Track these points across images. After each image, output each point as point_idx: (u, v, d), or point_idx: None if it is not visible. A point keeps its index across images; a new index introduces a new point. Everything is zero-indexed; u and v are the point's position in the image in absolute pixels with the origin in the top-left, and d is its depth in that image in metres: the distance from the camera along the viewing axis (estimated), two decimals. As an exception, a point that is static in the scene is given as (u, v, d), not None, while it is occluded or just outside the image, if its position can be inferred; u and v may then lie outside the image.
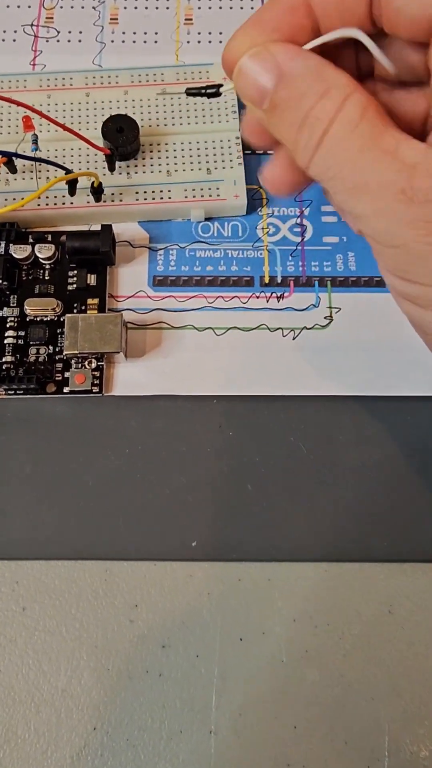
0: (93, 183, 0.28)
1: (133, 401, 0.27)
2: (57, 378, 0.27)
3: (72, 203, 0.29)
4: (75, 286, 0.28)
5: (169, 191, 0.29)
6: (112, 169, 0.29)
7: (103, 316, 0.26)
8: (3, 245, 0.28)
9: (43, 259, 0.28)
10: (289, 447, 0.27)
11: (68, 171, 0.28)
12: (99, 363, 0.27)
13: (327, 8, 0.19)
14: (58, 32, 0.33)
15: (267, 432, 0.27)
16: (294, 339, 0.28)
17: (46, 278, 0.28)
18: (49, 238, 0.29)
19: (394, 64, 0.20)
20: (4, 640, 0.24)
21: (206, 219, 0.30)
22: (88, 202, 0.29)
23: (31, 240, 0.29)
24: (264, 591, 0.25)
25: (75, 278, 0.28)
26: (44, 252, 0.28)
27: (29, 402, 0.27)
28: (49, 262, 0.28)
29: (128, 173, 0.30)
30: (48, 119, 0.27)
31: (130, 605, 0.25)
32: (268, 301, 0.29)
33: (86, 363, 0.27)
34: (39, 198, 0.29)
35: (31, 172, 0.30)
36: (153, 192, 0.29)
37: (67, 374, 0.27)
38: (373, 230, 0.19)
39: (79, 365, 0.27)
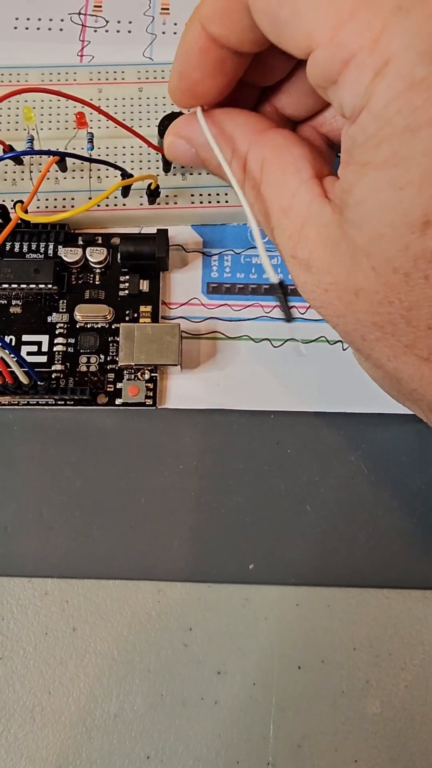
0: (150, 185, 0.27)
1: (186, 415, 0.26)
2: (108, 389, 0.26)
3: (125, 204, 0.28)
4: (127, 292, 0.27)
5: (226, 194, 0.28)
6: (167, 169, 0.28)
7: (160, 326, 0.25)
8: (52, 247, 0.27)
9: (94, 263, 0.27)
10: (349, 467, 0.26)
11: (124, 172, 0.27)
12: (153, 374, 0.26)
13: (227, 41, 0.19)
14: (107, 22, 0.32)
15: (326, 450, 0.26)
16: (344, 350, 0.27)
17: (97, 283, 0.27)
18: (100, 241, 0.28)
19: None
20: (54, 662, 0.24)
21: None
22: (141, 204, 0.28)
23: (80, 242, 0.28)
24: (323, 617, 0.24)
25: (127, 284, 0.27)
26: (96, 256, 0.27)
27: (79, 413, 0.26)
28: (100, 266, 0.27)
29: (183, 175, 0.28)
30: (107, 116, 0.26)
31: (184, 628, 0.24)
32: (327, 313, 0.27)
33: (139, 374, 0.26)
34: (90, 198, 0.28)
35: (82, 171, 0.28)
36: (209, 195, 0.28)
37: (119, 385, 0.26)
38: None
39: (132, 376, 0.26)
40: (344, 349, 0.27)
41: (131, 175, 0.26)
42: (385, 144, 0.15)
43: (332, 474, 0.26)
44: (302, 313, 0.27)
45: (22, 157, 0.28)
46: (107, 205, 0.28)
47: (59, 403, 0.26)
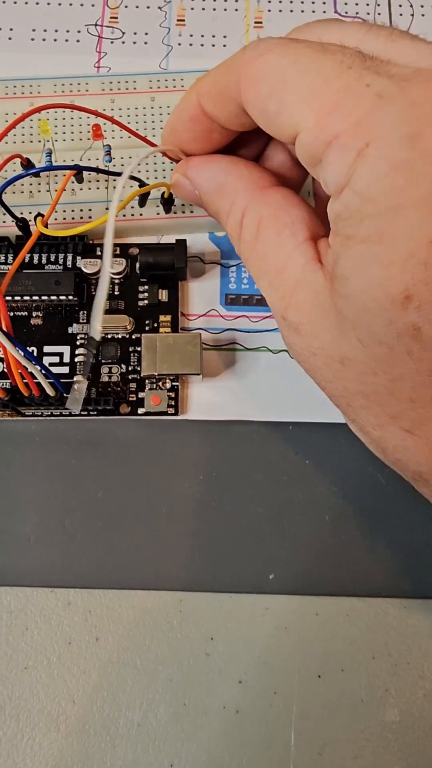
0: (164, 194, 0.27)
1: (206, 425, 0.26)
2: (131, 398, 0.26)
3: (141, 214, 0.28)
4: (146, 302, 0.27)
5: (241, 203, 0.28)
6: (182, 178, 0.28)
7: (182, 336, 0.26)
8: (71, 258, 0.27)
9: (113, 273, 0.27)
10: (367, 477, 0.26)
11: (141, 182, 0.27)
12: (174, 383, 0.26)
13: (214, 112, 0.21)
14: (123, 33, 0.32)
15: (344, 461, 0.26)
16: (371, 364, 0.27)
17: (116, 294, 0.27)
18: (118, 251, 0.28)
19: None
20: (77, 671, 0.24)
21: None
22: (158, 213, 0.28)
23: (98, 252, 0.28)
24: (342, 626, 0.25)
25: (146, 294, 0.27)
26: (115, 267, 0.27)
27: (101, 423, 0.26)
28: (119, 276, 0.27)
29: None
30: (124, 128, 0.26)
31: (205, 638, 0.24)
32: (344, 324, 0.28)
33: (161, 383, 0.26)
34: (107, 209, 0.28)
35: (98, 181, 0.29)
36: (225, 204, 0.28)
37: (141, 395, 0.26)
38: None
39: (154, 386, 0.26)
40: (361, 361, 0.27)
41: (147, 185, 0.26)
42: (368, 220, 0.16)
43: (350, 484, 0.26)
44: (319, 325, 0.28)
45: (39, 169, 0.28)
46: (124, 216, 0.28)
47: (82, 413, 0.26)
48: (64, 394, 0.24)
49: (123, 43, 0.32)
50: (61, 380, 0.25)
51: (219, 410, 0.26)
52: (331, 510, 0.26)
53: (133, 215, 0.28)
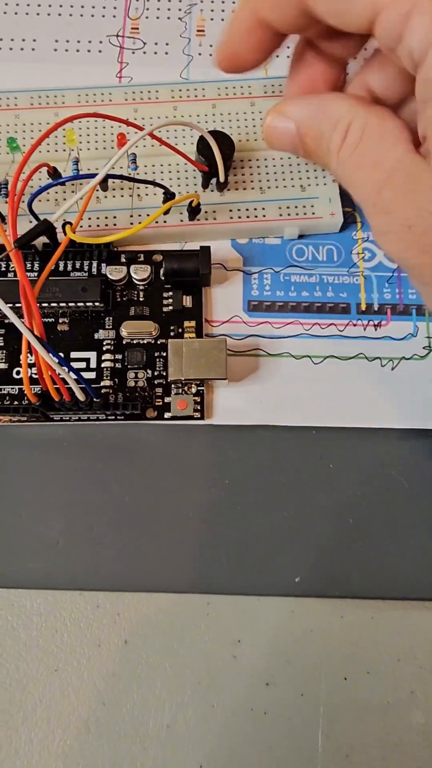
0: (192, 203, 0.28)
1: (231, 430, 0.27)
2: (157, 403, 0.26)
3: (165, 222, 0.29)
4: (171, 307, 0.28)
5: (263, 209, 0.29)
6: (205, 185, 0.29)
7: (207, 342, 0.26)
8: (96, 265, 0.28)
9: (138, 280, 0.28)
10: (390, 481, 0.26)
11: (167, 190, 0.27)
12: (200, 388, 0.27)
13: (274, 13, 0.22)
14: (144, 44, 0.33)
15: (367, 465, 0.26)
16: (393, 369, 0.28)
17: (141, 299, 0.28)
18: (142, 258, 0.28)
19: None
20: (107, 674, 0.24)
21: (300, 236, 0.29)
22: (182, 221, 0.29)
23: (123, 259, 0.28)
24: (368, 629, 0.25)
25: (170, 299, 0.28)
26: (140, 273, 0.27)
27: (127, 428, 0.26)
28: (143, 283, 0.28)
29: (222, 191, 0.29)
30: (152, 136, 0.26)
31: (232, 641, 0.25)
32: (365, 330, 0.28)
33: (186, 388, 0.26)
34: (132, 216, 0.28)
35: (122, 189, 0.29)
36: (247, 210, 0.29)
37: (167, 399, 0.26)
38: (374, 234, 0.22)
39: (180, 390, 0.26)
40: (383, 366, 0.28)
41: (173, 193, 0.27)
42: None
43: (374, 488, 0.26)
44: (341, 330, 0.28)
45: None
46: (149, 223, 0.28)
47: (110, 418, 0.26)
48: (95, 399, 0.24)
49: (144, 53, 0.32)
50: (90, 385, 0.26)
51: (243, 415, 0.27)
52: (355, 513, 0.26)
53: (156, 222, 0.28)
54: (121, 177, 0.26)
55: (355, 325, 0.28)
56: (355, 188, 0.22)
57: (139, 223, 0.28)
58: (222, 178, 0.28)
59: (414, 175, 0.20)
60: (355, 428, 0.27)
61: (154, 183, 0.27)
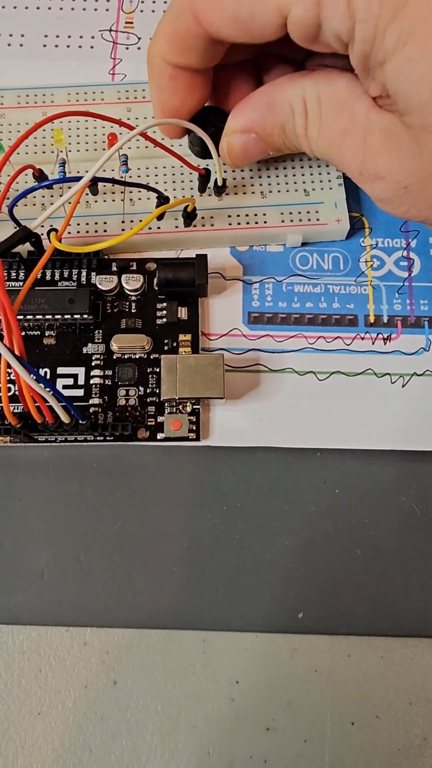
0: (187, 208, 0.26)
1: (229, 452, 0.25)
2: (149, 423, 0.25)
3: (159, 228, 0.27)
4: (165, 320, 0.26)
5: (264, 215, 0.27)
6: (202, 190, 0.27)
7: (203, 357, 0.24)
8: (85, 274, 0.26)
9: (129, 290, 0.26)
10: (401, 508, 0.24)
11: (160, 194, 0.25)
12: (195, 407, 0.25)
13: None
14: (139, 39, 0.31)
15: (376, 490, 0.25)
16: (403, 386, 0.26)
17: (133, 311, 0.26)
18: (134, 266, 0.27)
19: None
20: (94, 717, 0.22)
21: (303, 244, 0.27)
22: (177, 227, 0.27)
23: (115, 268, 0.26)
24: (376, 669, 0.23)
25: (164, 311, 0.26)
26: (132, 283, 0.26)
27: (117, 450, 0.25)
28: (136, 293, 0.26)
29: (219, 195, 0.27)
30: (145, 137, 0.24)
31: (230, 681, 0.23)
32: (374, 343, 0.26)
33: (181, 407, 0.25)
34: (123, 222, 0.27)
35: (113, 193, 0.27)
36: (247, 216, 0.27)
37: (160, 419, 0.25)
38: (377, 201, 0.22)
39: (174, 409, 0.25)
40: (393, 382, 0.26)
41: (167, 198, 0.25)
42: (390, 27, 0.17)
43: (383, 516, 0.24)
44: (347, 344, 0.26)
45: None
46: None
47: (98, 438, 0.24)
48: (80, 421, 0.23)
49: (139, 49, 0.31)
50: (76, 404, 0.24)
51: (242, 436, 0.25)
52: (363, 543, 0.24)
53: (150, 228, 0.27)
54: (109, 180, 0.24)
55: (362, 338, 0.26)
56: (338, 163, 0.22)
57: (131, 229, 0.27)
58: (220, 181, 0.26)
59: (390, 133, 0.20)
60: (362, 450, 0.25)
61: (145, 186, 0.25)
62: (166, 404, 0.25)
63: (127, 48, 0.31)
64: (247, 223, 0.27)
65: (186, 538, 0.24)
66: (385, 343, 0.26)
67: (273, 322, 0.27)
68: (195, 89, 0.23)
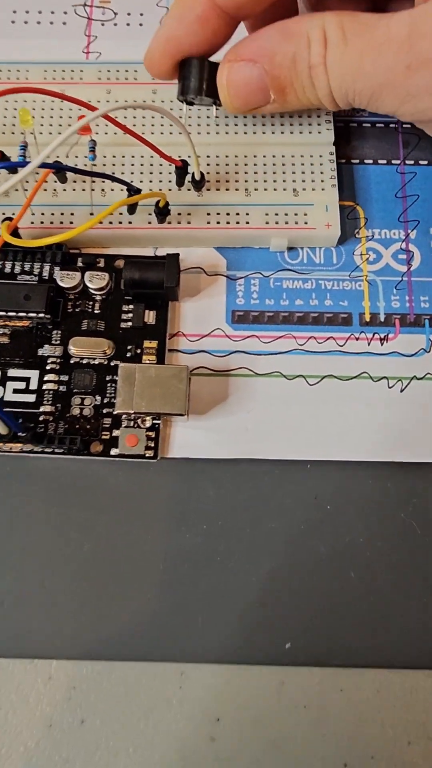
0: (158, 203, 0.24)
1: (210, 465, 0.23)
2: (104, 436, 0.22)
3: (131, 223, 0.24)
4: (130, 324, 0.23)
5: (247, 214, 0.25)
6: (180, 183, 0.25)
7: (166, 369, 0.22)
8: (48, 269, 0.24)
9: (93, 289, 0.23)
10: (399, 526, 0.22)
11: (130, 186, 0.23)
12: (155, 422, 0.22)
13: None
14: (115, 14, 0.28)
15: (373, 506, 0.22)
16: (402, 391, 0.23)
17: (96, 312, 0.24)
18: (102, 263, 0.24)
19: None
20: (59, 760, 0.20)
21: (289, 249, 0.25)
22: (150, 223, 0.24)
23: (80, 264, 0.24)
24: (372, 705, 0.21)
25: (131, 314, 0.24)
26: (96, 282, 0.23)
27: (84, 464, 0.22)
28: (100, 293, 0.24)
29: (199, 190, 0.25)
30: (112, 122, 0.22)
31: (210, 719, 0.21)
32: (369, 344, 0.24)
33: (140, 421, 0.22)
34: (92, 213, 0.24)
35: (84, 182, 0.25)
36: (228, 215, 0.24)
37: (116, 432, 0.22)
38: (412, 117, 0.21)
39: (132, 423, 0.22)
40: (390, 387, 0.23)
41: (138, 190, 0.23)
42: None
43: (379, 534, 0.22)
44: (341, 345, 0.24)
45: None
46: (110, 223, 0.24)
47: (45, 451, 0.22)
48: (19, 433, 0.20)
49: (115, 25, 0.28)
50: (25, 410, 0.22)
51: (224, 447, 0.23)
52: (357, 565, 0.22)
53: (120, 222, 0.24)
54: (65, 168, 0.22)
55: (357, 338, 0.24)
56: (366, 82, 0.20)
57: (100, 222, 0.24)
58: (197, 174, 0.24)
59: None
60: (357, 462, 0.23)
61: (107, 176, 0.23)
62: (123, 417, 0.22)
63: (102, 24, 0.28)
64: (228, 223, 0.24)
65: (162, 561, 0.22)
66: (381, 344, 0.24)
67: (259, 321, 0.24)
68: (217, 36, 0.21)
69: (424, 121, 0.22)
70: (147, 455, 0.22)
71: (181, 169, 0.24)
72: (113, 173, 0.25)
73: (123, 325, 0.24)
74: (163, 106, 0.26)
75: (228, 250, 0.25)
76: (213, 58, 0.22)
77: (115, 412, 0.22)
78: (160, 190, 0.25)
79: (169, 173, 0.25)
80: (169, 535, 0.22)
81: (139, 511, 0.22)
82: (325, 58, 0.20)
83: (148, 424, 0.22)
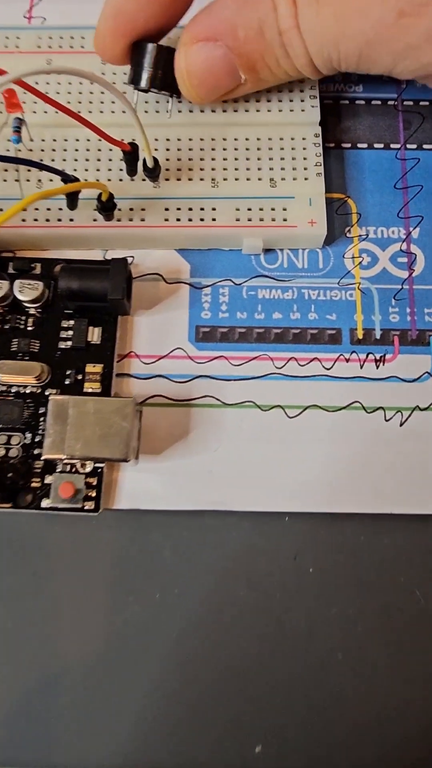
0: (100, 196, 0.19)
1: (166, 519, 0.18)
2: (34, 484, 0.18)
3: (72, 220, 0.20)
4: (70, 344, 0.19)
5: (214, 209, 0.20)
6: (132, 172, 0.20)
7: (107, 402, 0.17)
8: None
9: (25, 301, 0.19)
10: (399, 594, 0.18)
11: (65, 176, 0.19)
12: (98, 465, 0.18)
13: None
14: (64, -27, 0.24)
15: (365, 569, 0.18)
16: (402, 425, 0.19)
17: (30, 329, 0.19)
18: (38, 269, 0.20)
19: None
20: None
21: (266, 251, 0.21)
22: (95, 220, 0.20)
23: (11, 270, 0.20)
24: None
25: (71, 332, 0.19)
26: (28, 293, 0.19)
27: (2, 517, 0.18)
28: (34, 306, 0.19)
29: (155, 180, 0.20)
30: (43, 98, 0.18)
31: None
32: (362, 367, 0.20)
33: (79, 465, 0.18)
34: (25, 210, 0.20)
35: (17, 171, 0.20)
36: (190, 210, 0.20)
37: (48, 479, 0.18)
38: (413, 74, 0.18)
39: (69, 467, 0.18)
40: (387, 420, 0.19)
41: (74, 179, 0.18)
42: None
43: (374, 604, 0.18)
44: (327, 368, 0.20)
45: None
46: (48, 220, 0.20)
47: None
48: None
49: (63, -15, 0.24)
50: None
51: (182, 495, 0.18)
52: (346, 645, 0.18)
53: (60, 220, 0.20)
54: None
55: (348, 360, 0.20)
56: (353, 33, 0.17)
57: (35, 220, 0.20)
58: (149, 161, 0.19)
59: None
60: (347, 514, 0.18)
61: (32, 163, 0.18)
62: (57, 460, 0.18)
63: (48, -15, 0.24)
64: (190, 220, 0.20)
65: (103, 640, 0.17)
66: (377, 367, 0.20)
67: (229, 339, 0.20)
68: (174, 6, 0.18)
69: (429, 77, 0.18)
70: (86, 507, 0.18)
71: (130, 154, 0.19)
72: (52, 160, 0.20)
73: (61, 345, 0.19)
74: (115, 80, 0.22)
75: (192, 252, 0.21)
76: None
77: (43, 458, 0.17)
78: (109, 180, 0.20)
79: (121, 160, 0.20)
80: (114, 606, 0.18)
81: (76, 577, 0.18)
82: (297, 20, 0.17)
83: (88, 468, 0.18)
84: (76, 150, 0.21)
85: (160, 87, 0.19)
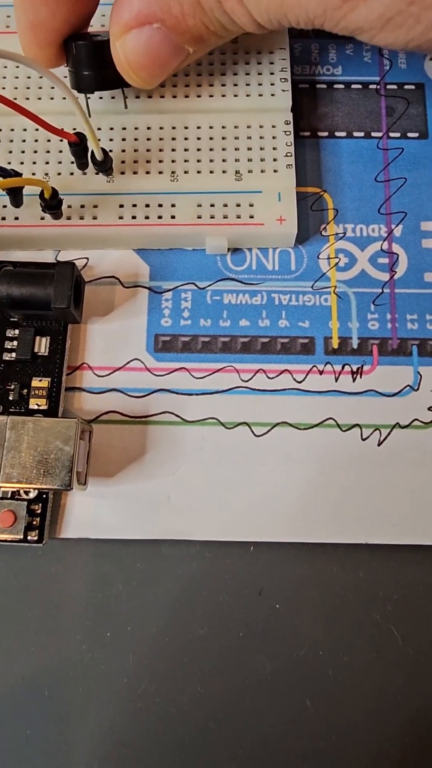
0: (42, 193, 0.17)
1: (120, 550, 0.17)
2: None
3: (17, 218, 0.18)
4: (14, 355, 0.17)
5: (173, 206, 0.18)
6: (82, 165, 0.18)
7: (51, 424, 0.16)
8: None
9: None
10: (373, 632, 0.16)
11: (2, 169, 0.17)
12: (43, 492, 0.17)
13: None
14: None
15: (337, 604, 0.16)
16: (380, 444, 0.17)
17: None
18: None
19: None
20: None
21: (233, 251, 0.19)
22: (43, 219, 0.18)
23: None
24: None
25: (15, 342, 0.18)
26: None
27: None
28: (-26, 314, 0.18)
29: (108, 174, 0.18)
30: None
31: None
32: (337, 380, 0.18)
33: (21, 491, 0.16)
34: None
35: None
36: (147, 206, 0.18)
37: None
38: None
39: (9, 494, 0.16)
40: (364, 439, 0.17)
41: (17, 174, 0.17)
42: None
43: (345, 643, 0.16)
44: (299, 381, 0.18)
45: None
46: (-9, 218, 0.18)
47: None
48: None
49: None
50: None
51: (137, 524, 0.17)
52: (314, 688, 0.16)
53: (4, 218, 0.18)
54: None
55: (321, 372, 0.18)
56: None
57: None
58: (98, 153, 0.17)
59: None
60: (317, 544, 0.17)
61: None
62: None
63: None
64: (148, 218, 0.18)
65: (47, 685, 0.16)
66: (354, 380, 0.18)
67: (191, 349, 0.18)
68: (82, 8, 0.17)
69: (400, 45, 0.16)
70: (30, 538, 0.16)
71: (78, 145, 0.17)
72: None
73: (5, 356, 0.18)
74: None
75: (151, 253, 0.19)
76: None
77: (-24, 486, 0.16)
78: (59, 174, 0.18)
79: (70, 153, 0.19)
80: (60, 647, 0.16)
81: (17, 614, 0.16)
82: None
83: (33, 494, 0.17)
84: (23, 141, 0.19)
85: (107, 86, 0.18)
